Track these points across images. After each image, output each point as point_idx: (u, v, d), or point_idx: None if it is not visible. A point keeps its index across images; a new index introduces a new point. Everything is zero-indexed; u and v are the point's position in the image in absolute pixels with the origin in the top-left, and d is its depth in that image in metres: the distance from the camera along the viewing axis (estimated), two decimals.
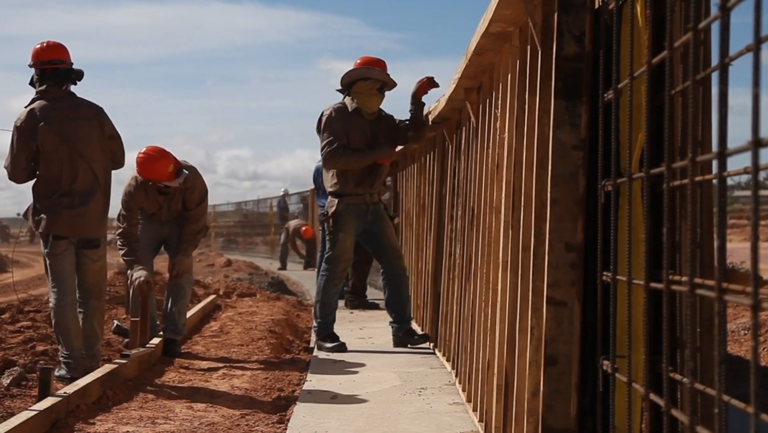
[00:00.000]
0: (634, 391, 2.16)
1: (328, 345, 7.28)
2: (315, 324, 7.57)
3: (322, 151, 7.26)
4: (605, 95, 2.52)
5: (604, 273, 2.47)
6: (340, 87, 7.42)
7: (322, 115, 7.36)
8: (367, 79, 7.27)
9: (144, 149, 7.05)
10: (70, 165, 6.04)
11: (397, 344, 7.46)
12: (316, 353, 7.27)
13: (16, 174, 6.09)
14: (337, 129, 7.21)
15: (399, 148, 7.85)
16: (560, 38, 3.02)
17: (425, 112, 7.36)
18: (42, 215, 6.04)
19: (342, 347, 7.26)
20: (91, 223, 6.07)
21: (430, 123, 7.28)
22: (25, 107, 6.11)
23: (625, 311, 2.22)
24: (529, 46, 3.66)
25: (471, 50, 4.64)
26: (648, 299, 2.01)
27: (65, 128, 6.03)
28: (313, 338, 7.78)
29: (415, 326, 8.21)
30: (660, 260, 2.21)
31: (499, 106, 4.40)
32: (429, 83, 7.30)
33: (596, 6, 3.03)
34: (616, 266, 2.33)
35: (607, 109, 2.52)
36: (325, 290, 7.43)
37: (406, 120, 7.41)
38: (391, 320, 7.54)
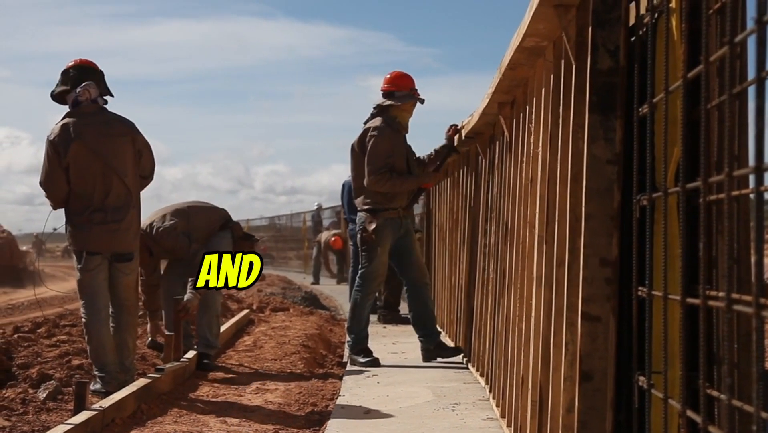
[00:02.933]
0: (670, 407, 2.15)
1: (362, 360, 7.33)
2: (349, 339, 7.63)
3: (369, 172, 7.34)
4: (640, 109, 2.51)
5: (640, 288, 2.46)
6: (381, 102, 7.53)
7: (366, 133, 7.44)
8: (409, 100, 7.49)
9: None
10: (103, 180, 6.07)
11: (428, 358, 7.44)
12: (349, 367, 7.27)
13: (54, 189, 6.07)
14: (384, 150, 7.34)
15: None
16: (595, 53, 3.02)
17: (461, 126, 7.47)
18: (75, 231, 6.07)
19: (375, 362, 7.31)
20: (124, 237, 6.09)
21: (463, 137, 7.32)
22: (58, 122, 6.15)
23: (661, 327, 2.21)
24: (563, 61, 3.65)
25: (504, 65, 4.64)
26: (684, 314, 2.00)
27: (98, 143, 6.07)
28: (347, 352, 7.81)
29: (447, 340, 8.19)
30: (696, 275, 2.19)
31: (533, 121, 4.39)
32: (455, 130, 7.63)
33: (631, 20, 3.02)
34: (651, 281, 2.32)
35: (642, 124, 2.51)
36: (359, 305, 7.51)
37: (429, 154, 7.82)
38: (420, 336, 7.53)
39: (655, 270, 2.34)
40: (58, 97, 6.22)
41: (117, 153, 6.11)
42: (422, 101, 7.54)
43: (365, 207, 7.44)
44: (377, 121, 7.43)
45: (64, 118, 6.15)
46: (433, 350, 7.44)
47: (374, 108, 7.57)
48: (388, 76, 7.57)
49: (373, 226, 7.34)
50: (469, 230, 7.45)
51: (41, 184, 6.14)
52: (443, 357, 7.40)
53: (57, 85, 6.22)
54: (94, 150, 6.05)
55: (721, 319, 2.11)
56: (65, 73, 6.21)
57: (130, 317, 6.25)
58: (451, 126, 7.68)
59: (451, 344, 7.92)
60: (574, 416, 3.06)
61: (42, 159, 6.15)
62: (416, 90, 7.55)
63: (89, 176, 6.06)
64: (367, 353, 7.41)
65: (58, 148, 6.04)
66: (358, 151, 7.48)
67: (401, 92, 7.48)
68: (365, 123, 7.58)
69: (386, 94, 7.53)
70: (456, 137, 7.64)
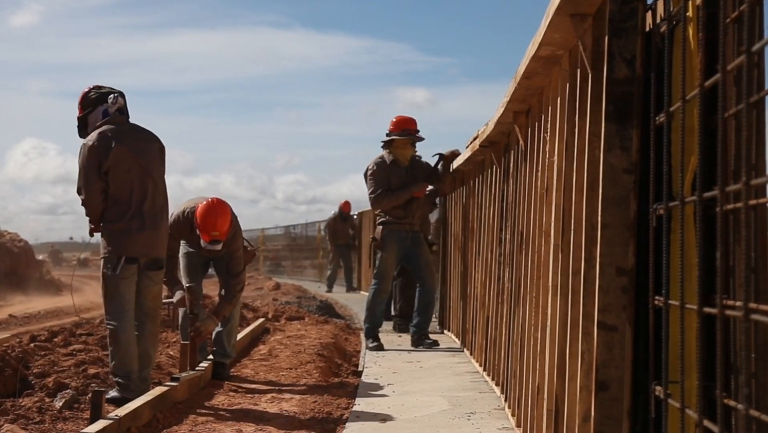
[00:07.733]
0: (687, 417, 2.14)
1: (371, 344, 9.07)
2: (364, 327, 9.35)
3: (369, 196, 9.24)
4: (657, 118, 2.51)
5: (656, 297, 2.45)
6: (385, 139, 9.34)
7: (367, 168, 9.29)
8: (403, 137, 9.27)
9: (212, 200, 7.08)
10: (140, 185, 6.09)
11: (416, 343, 9.10)
12: (364, 376, 7.27)
13: (92, 196, 6.02)
14: (380, 177, 9.21)
15: (430, 187, 9.76)
16: (611, 61, 3.01)
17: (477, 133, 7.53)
18: (114, 238, 6.05)
19: (380, 347, 9.01)
20: (160, 244, 6.14)
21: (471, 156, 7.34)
22: (94, 131, 6.13)
23: (677, 336, 2.20)
24: (578, 70, 3.65)
25: (520, 74, 4.64)
26: (701, 323, 1.99)
27: (137, 148, 6.11)
28: (362, 363, 8.05)
29: (454, 338, 8.18)
30: (713, 285, 2.18)
31: (549, 130, 4.39)
32: (453, 155, 9.35)
33: (647, 29, 3.01)
34: (668, 290, 2.31)
35: (659, 133, 2.50)
36: (374, 300, 9.26)
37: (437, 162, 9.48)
38: (414, 322, 9.22)
39: (671, 279, 2.34)
40: (81, 124, 6.23)
41: (152, 158, 6.19)
42: (419, 139, 9.27)
43: (377, 221, 9.38)
44: (376, 158, 9.28)
45: (97, 128, 6.14)
46: (420, 338, 9.12)
47: (381, 143, 9.43)
48: (393, 119, 9.35)
49: (380, 236, 9.21)
50: (484, 239, 7.44)
51: (79, 192, 6.08)
52: (425, 346, 9.04)
53: (82, 109, 6.23)
54: (134, 154, 6.07)
55: (738, 328, 2.10)
56: (86, 97, 6.23)
57: (154, 326, 6.25)
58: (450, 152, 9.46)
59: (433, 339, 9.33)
60: (590, 426, 3.05)
61: (77, 169, 6.08)
62: (412, 130, 9.26)
63: (127, 181, 6.06)
64: (376, 338, 9.13)
65: (98, 153, 6.02)
66: (364, 180, 9.36)
67: (396, 132, 9.25)
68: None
69: (387, 133, 9.35)
70: (448, 153, 9.34)
